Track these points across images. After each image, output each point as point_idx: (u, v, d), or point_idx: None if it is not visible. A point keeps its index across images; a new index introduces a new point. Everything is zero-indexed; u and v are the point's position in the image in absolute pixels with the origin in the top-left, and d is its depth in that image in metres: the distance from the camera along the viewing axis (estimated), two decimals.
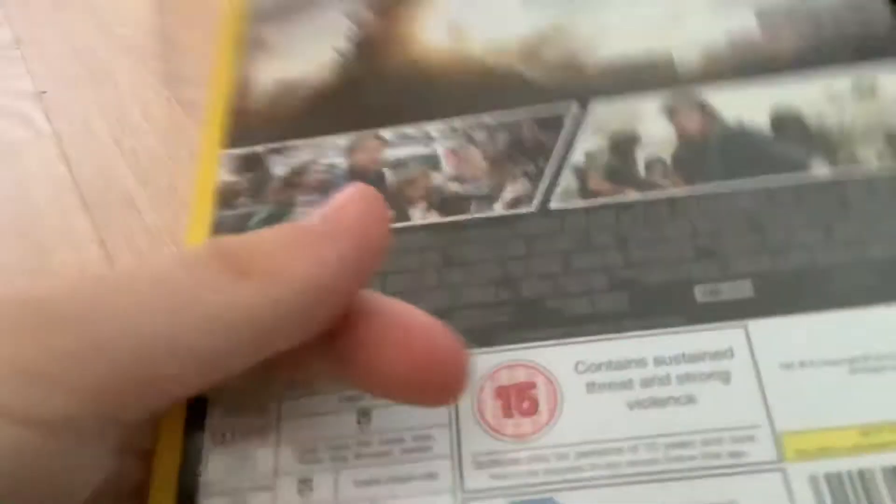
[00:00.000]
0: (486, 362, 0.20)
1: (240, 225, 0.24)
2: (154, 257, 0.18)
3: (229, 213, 0.24)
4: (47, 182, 0.40)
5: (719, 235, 0.21)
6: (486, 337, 0.21)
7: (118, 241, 0.37)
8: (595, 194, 0.23)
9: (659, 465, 0.18)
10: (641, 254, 0.21)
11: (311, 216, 0.18)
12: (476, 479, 0.19)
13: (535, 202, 0.23)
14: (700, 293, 0.21)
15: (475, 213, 0.23)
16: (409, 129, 0.25)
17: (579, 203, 0.23)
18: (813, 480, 0.18)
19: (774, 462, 0.18)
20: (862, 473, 0.18)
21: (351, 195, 0.18)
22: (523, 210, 0.23)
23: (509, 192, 0.23)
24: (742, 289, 0.20)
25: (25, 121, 0.43)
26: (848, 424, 0.18)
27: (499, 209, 0.23)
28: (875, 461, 0.18)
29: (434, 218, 0.23)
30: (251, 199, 0.24)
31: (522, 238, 0.22)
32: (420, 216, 0.23)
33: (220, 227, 0.24)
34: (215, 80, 0.28)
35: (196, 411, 0.21)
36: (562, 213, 0.23)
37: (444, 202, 0.23)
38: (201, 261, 0.16)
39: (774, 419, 0.19)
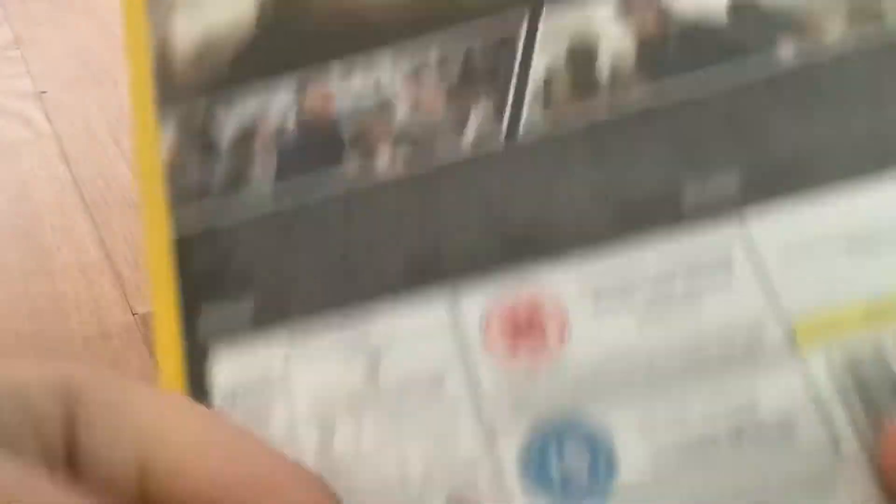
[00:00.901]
0: (485, 293, 0.20)
1: (199, 192, 0.23)
2: None
3: (184, 185, 0.23)
4: (47, 182, 0.40)
5: (698, 141, 0.21)
6: (480, 267, 0.20)
7: (118, 241, 0.37)
8: (562, 116, 0.22)
9: (676, 374, 0.18)
10: (622, 171, 0.21)
11: None
12: (496, 413, 0.19)
13: (502, 137, 0.22)
14: (689, 195, 0.20)
15: (442, 157, 0.22)
16: (357, 74, 0.24)
17: (548, 130, 0.22)
18: (829, 363, 0.18)
19: (788, 349, 0.18)
20: (876, 349, 0.18)
21: None
22: (491, 147, 0.22)
23: (473, 127, 0.23)
24: (730, 183, 0.20)
25: (25, 121, 0.43)
26: (856, 299, 0.18)
27: (465, 148, 0.22)
28: (888, 334, 0.18)
29: (399, 168, 0.23)
30: (202, 165, 0.23)
31: (497, 178, 0.22)
32: (384, 166, 0.23)
33: (177, 201, 0.23)
34: (131, 48, 0.26)
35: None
36: (532, 146, 0.22)
37: (407, 147, 0.23)
38: None
39: (782, 305, 0.19)
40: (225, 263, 0.22)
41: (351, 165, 0.23)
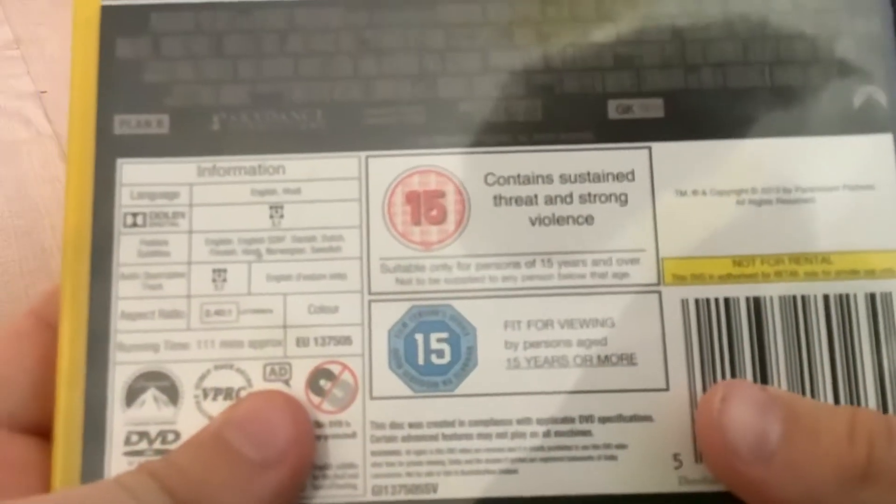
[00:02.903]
0: (398, 166, 0.21)
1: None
2: (96, 487, 0.17)
3: None
4: (47, 182, 0.38)
5: (640, 42, 0.21)
6: (398, 138, 0.21)
7: None
8: None
9: (551, 281, 0.20)
10: (562, 57, 0.21)
11: (238, 433, 0.18)
12: (382, 283, 0.20)
13: None
14: (613, 109, 0.21)
15: None
16: None
17: None
18: (683, 304, 0.20)
19: (654, 285, 0.20)
20: (728, 301, 0.20)
21: (275, 408, 0.19)
22: None
23: None
24: (653, 108, 0.21)
25: (25, 121, 0.41)
26: (725, 254, 0.20)
27: None
28: (741, 291, 0.20)
29: None
30: None
31: (442, 26, 0.21)
32: None
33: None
34: None
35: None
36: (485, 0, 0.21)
37: None
38: (151, 496, 0.17)
39: (660, 244, 0.20)
40: (147, 69, 0.21)
41: None
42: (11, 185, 0.40)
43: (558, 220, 0.20)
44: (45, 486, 0.19)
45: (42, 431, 0.20)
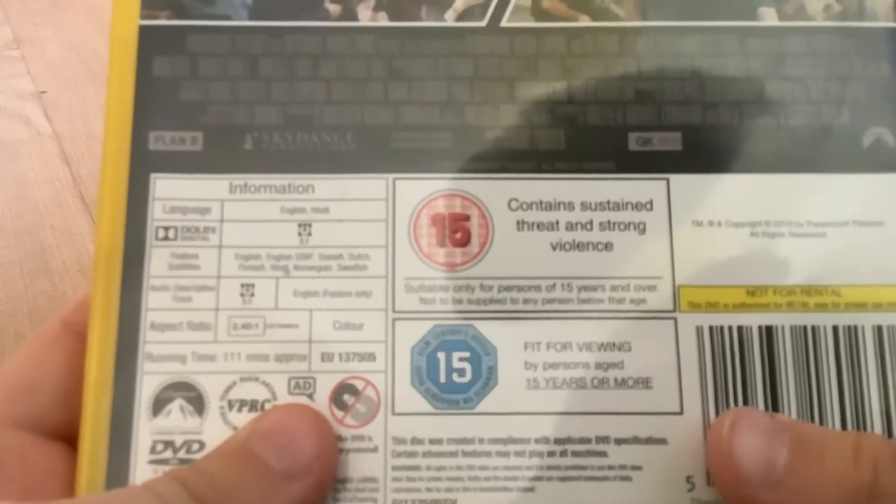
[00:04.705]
0: (425, 189, 0.21)
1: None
2: (125, 492, 0.18)
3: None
4: (47, 182, 0.38)
5: (661, 78, 0.22)
6: (425, 162, 0.22)
7: None
8: (548, 15, 0.22)
9: (571, 305, 0.21)
10: (584, 89, 0.22)
11: (265, 444, 0.18)
12: (406, 302, 0.21)
13: (488, 16, 0.22)
14: (633, 141, 0.22)
15: (426, 21, 0.22)
16: None
17: (531, 23, 0.22)
18: (698, 330, 0.21)
19: (669, 311, 0.21)
20: (741, 329, 0.21)
21: (301, 421, 0.19)
22: (475, 24, 0.22)
23: (462, 1, 0.23)
24: (672, 141, 0.21)
25: (25, 121, 0.42)
26: (739, 284, 0.21)
27: (450, 19, 0.22)
28: (754, 319, 0.21)
29: (383, 21, 0.22)
30: None
31: (471, 56, 0.22)
32: (368, 16, 0.23)
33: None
34: None
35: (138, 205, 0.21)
36: (512, 33, 0.22)
37: (394, 3, 0.23)
38: (179, 502, 0.17)
39: (676, 272, 0.21)
40: (183, 88, 0.22)
41: (334, 6, 0.22)
42: (11, 185, 0.41)
43: (579, 247, 0.21)
44: (70, 491, 0.20)
45: (68, 437, 0.20)
